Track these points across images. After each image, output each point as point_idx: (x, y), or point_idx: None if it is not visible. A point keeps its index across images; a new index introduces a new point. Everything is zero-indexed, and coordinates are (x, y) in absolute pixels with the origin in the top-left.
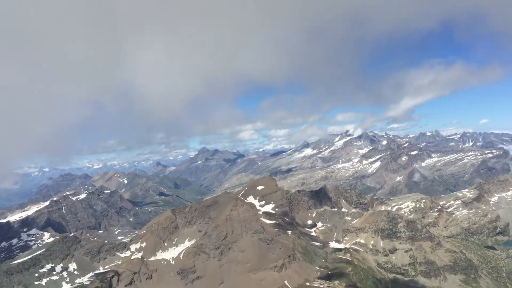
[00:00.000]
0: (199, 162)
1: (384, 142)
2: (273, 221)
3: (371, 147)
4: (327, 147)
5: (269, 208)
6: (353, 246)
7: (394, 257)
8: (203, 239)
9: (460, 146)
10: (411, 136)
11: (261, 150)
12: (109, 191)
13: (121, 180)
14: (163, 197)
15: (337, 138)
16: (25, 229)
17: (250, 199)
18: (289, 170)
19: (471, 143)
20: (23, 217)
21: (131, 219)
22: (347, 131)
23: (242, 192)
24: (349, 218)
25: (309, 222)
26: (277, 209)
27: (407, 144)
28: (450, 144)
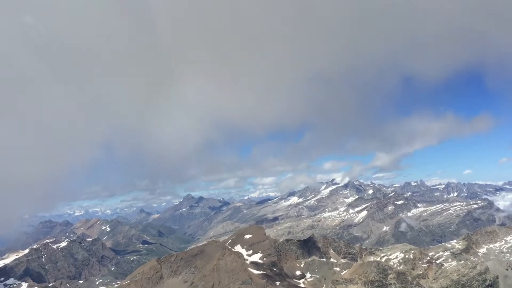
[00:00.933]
0: (184, 209)
1: (370, 191)
2: (261, 272)
3: (357, 196)
4: (313, 195)
5: (257, 257)
6: None
7: None
8: None
9: (445, 196)
10: (396, 185)
11: (246, 197)
12: (91, 239)
13: (103, 228)
14: (147, 245)
15: (323, 187)
16: (1, 279)
17: (238, 248)
18: (275, 219)
19: (455, 194)
20: (1, 265)
21: (112, 269)
22: (333, 180)
23: (230, 240)
24: (338, 269)
25: (298, 272)
26: (265, 258)
27: (393, 193)
28: (435, 194)
